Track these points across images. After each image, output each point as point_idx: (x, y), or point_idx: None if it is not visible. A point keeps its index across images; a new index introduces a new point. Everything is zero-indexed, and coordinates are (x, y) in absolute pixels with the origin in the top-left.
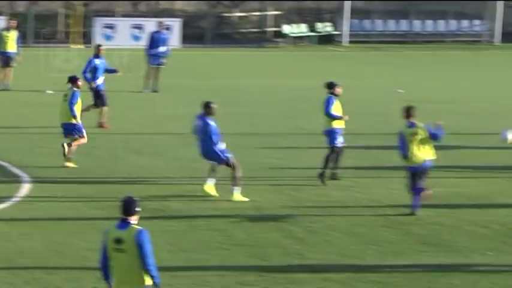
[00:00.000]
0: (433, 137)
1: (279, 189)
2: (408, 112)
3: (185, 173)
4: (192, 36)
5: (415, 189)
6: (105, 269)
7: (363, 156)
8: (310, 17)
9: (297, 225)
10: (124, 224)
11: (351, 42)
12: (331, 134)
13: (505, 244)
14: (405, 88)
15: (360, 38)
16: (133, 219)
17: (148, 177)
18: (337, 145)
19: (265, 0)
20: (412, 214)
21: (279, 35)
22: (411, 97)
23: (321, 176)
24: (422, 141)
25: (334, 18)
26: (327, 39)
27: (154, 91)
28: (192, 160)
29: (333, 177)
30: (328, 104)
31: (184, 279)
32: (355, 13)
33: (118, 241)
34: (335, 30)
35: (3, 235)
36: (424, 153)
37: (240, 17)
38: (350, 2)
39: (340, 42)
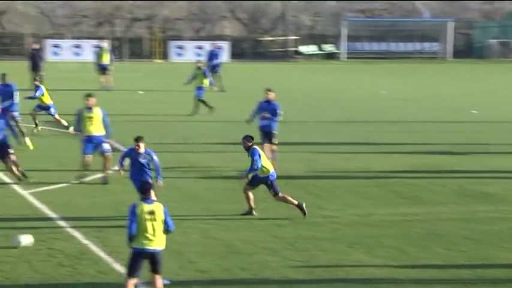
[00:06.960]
0: None
1: None
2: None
3: None
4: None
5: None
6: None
7: None
8: (319, 40)
9: None
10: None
11: (348, 58)
12: None
13: (459, 198)
14: (387, 89)
15: (354, 55)
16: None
17: None
18: None
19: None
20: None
21: (297, 53)
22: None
23: None
24: None
25: (336, 41)
26: (330, 56)
27: (222, 91)
28: None
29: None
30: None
31: None
32: (350, 37)
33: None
34: (336, 50)
35: None
36: None
37: (270, 40)
38: (347, 29)
39: (340, 58)
